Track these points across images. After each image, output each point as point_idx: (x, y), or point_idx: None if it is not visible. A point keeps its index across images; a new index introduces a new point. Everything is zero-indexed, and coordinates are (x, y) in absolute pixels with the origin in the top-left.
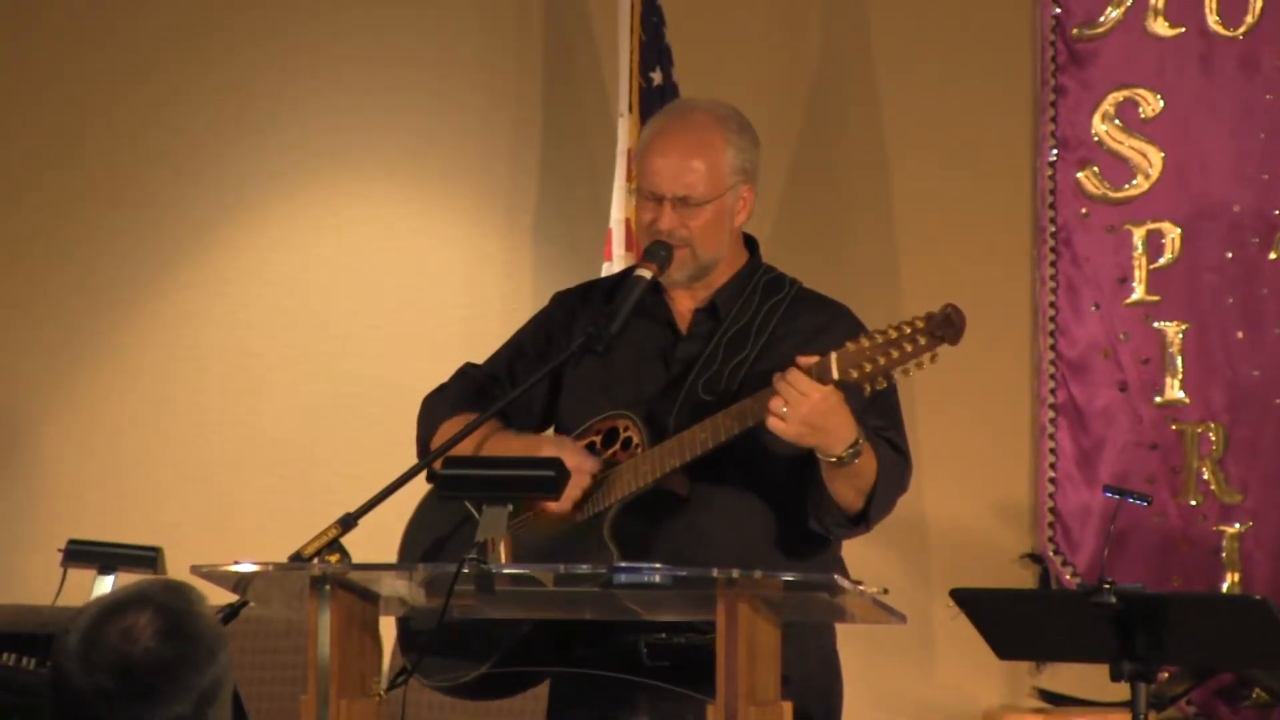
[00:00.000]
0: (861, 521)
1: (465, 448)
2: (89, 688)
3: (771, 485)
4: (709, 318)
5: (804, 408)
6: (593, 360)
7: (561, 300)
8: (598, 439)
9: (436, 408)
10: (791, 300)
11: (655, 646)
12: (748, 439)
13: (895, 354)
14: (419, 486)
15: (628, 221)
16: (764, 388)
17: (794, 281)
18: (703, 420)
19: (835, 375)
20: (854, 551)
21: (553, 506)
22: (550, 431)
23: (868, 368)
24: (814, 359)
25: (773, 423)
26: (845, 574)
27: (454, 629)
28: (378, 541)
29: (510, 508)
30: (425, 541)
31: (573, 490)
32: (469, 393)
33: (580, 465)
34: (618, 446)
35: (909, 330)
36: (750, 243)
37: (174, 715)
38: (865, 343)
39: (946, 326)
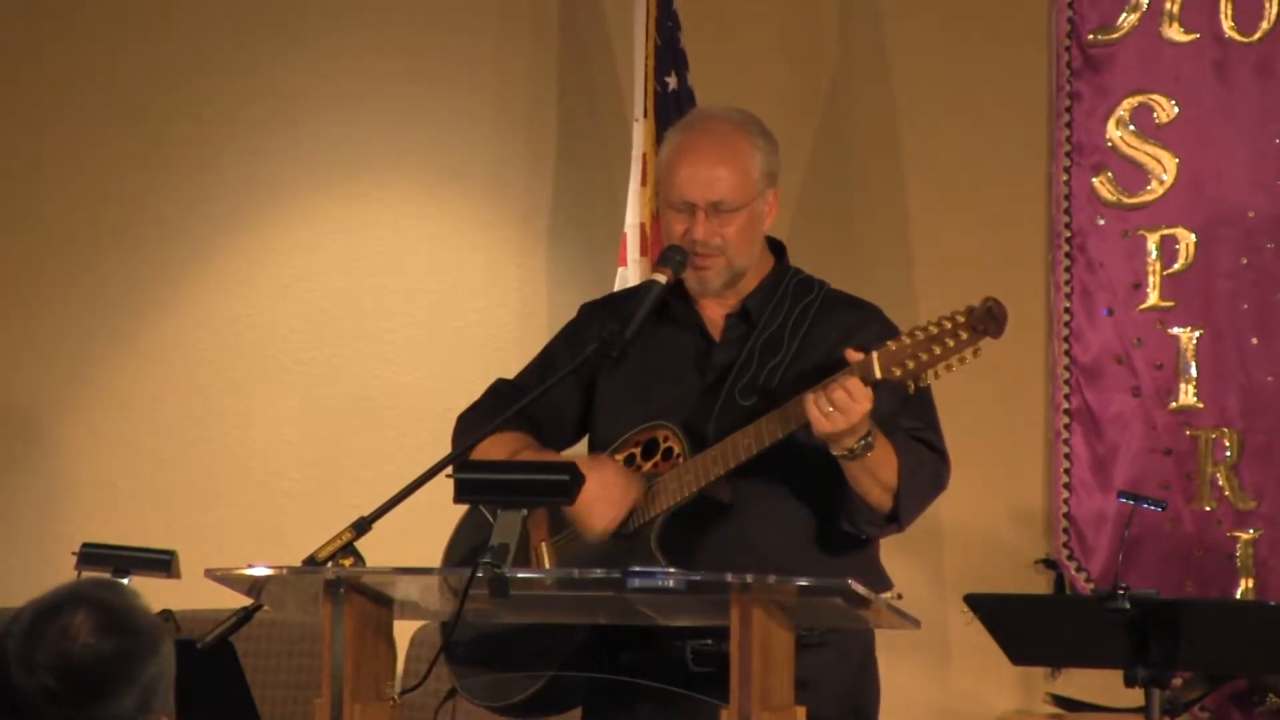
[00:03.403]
0: (893, 520)
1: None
2: (32, 688)
3: (810, 486)
4: (741, 323)
5: (854, 415)
6: (626, 371)
7: (589, 311)
8: (637, 450)
9: (471, 429)
10: (822, 302)
11: (701, 653)
12: (786, 441)
13: (938, 350)
14: (434, 491)
15: (642, 226)
16: (795, 390)
17: (822, 283)
18: (743, 426)
19: (878, 374)
20: None
21: (599, 525)
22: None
23: (910, 365)
24: (859, 355)
25: (815, 417)
26: (881, 575)
27: (499, 642)
28: (392, 545)
29: (525, 513)
30: (463, 549)
31: (618, 508)
32: (501, 411)
33: (630, 483)
34: (659, 457)
35: (950, 325)
36: (777, 246)
37: (120, 709)
38: (906, 340)
39: (989, 320)
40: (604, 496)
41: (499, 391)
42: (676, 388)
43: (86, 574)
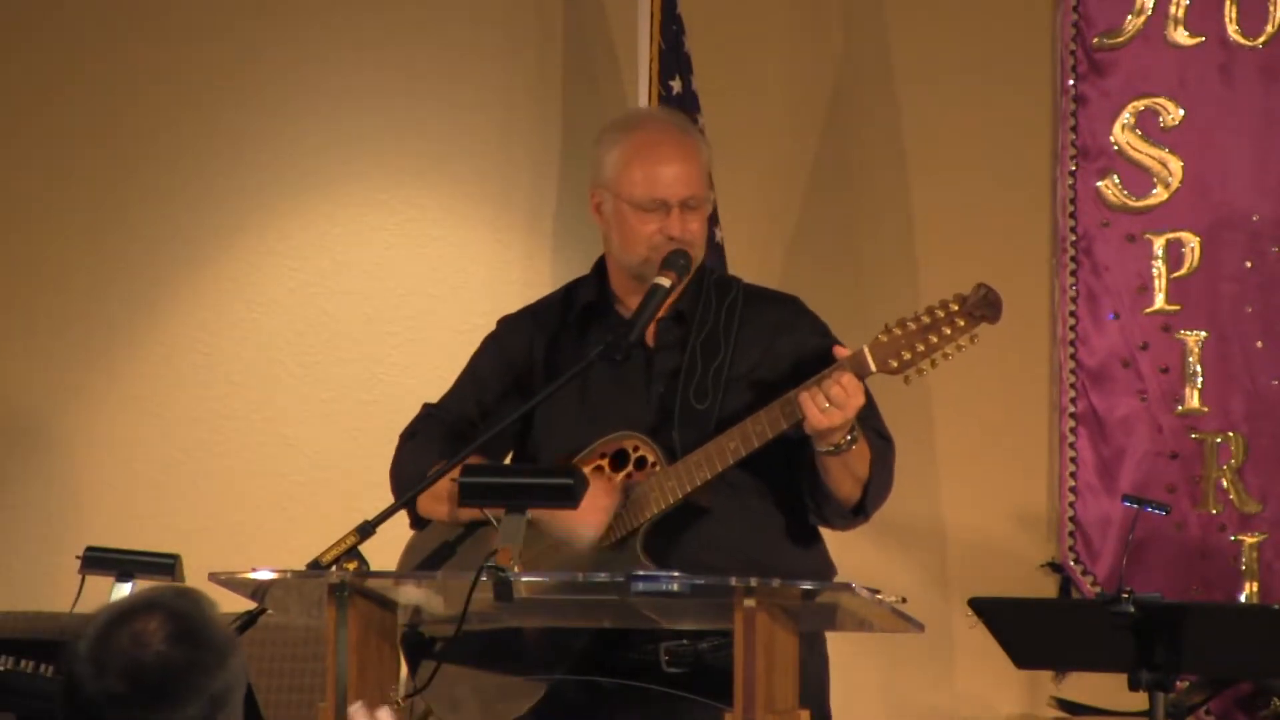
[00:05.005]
0: (860, 512)
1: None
2: (100, 692)
3: (771, 484)
4: (675, 325)
5: (850, 411)
6: (566, 385)
7: (511, 323)
8: (604, 462)
9: (417, 459)
10: (745, 298)
11: (675, 654)
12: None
13: (934, 339)
14: None
15: None
16: (740, 388)
17: (737, 279)
18: (704, 429)
19: (873, 368)
20: (873, 560)
21: (588, 535)
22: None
23: (906, 356)
24: (848, 353)
25: (812, 414)
26: (833, 568)
27: (477, 651)
28: (396, 549)
29: (528, 516)
30: (429, 549)
31: (606, 514)
32: (447, 438)
33: (610, 492)
34: (631, 467)
35: (943, 314)
36: None
37: (184, 718)
38: (898, 331)
39: (985, 306)
40: (591, 505)
41: (435, 418)
42: (627, 397)
43: (90, 577)
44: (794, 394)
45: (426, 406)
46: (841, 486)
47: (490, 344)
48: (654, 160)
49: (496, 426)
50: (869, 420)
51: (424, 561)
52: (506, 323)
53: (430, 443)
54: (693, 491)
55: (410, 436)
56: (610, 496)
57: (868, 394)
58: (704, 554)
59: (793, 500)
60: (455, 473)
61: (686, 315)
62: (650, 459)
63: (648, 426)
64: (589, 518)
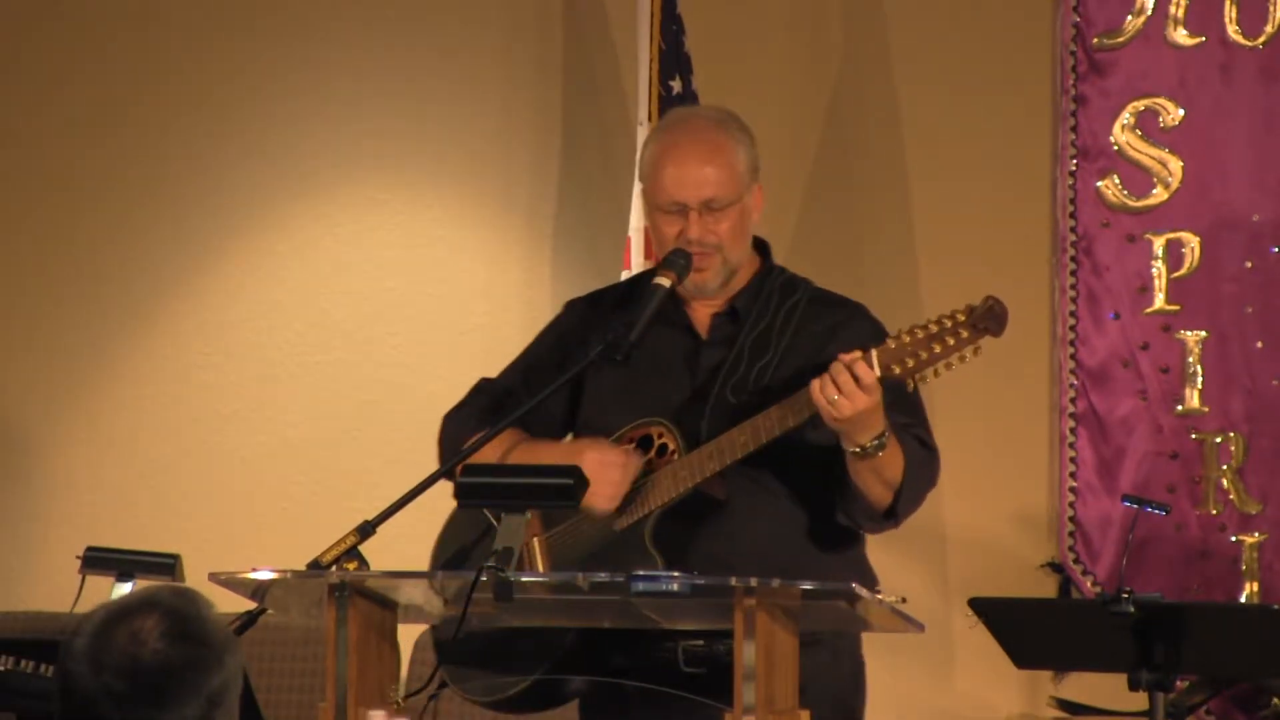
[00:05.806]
0: (891, 516)
1: (490, 459)
2: (97, 689)
3: (803, 483)
4: (729, 322)
5: (860, 402)
6: (615, 369)
7: (573, 308)
8: (630, 447)
9: (459, 427)
10: (808, 301)
11: (693, 654)
12: (781, 438)
13: (938, 348)
14: (438, 496)
15: (646, 230)
16: (783, 389)
17: (807, 282)
18: (738, 423)
19: (877, 372)
20: (873, 560)
21: (600, 505)
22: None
23: (910, 363)
24: (856, 354)
25: (821, 405)
26: (870, 574)
27: (493, 641)
28: (396, 549)
29: (528, 515)
30: (451, 550)
31: (618, 487)
32: (488, 409)
33: (628, 461)
34: (653, 453)
35: (950, 324)
36: (761, 245)
37: (181, 717)
38: (905, 338)
39: (990, 318)
40: (604, 478)
41: (483, 391)
42: (667, 386)
43: (90, 577)
44: (808, 386)
45: (482, 380)
46: (871, 489)
47: (551, 324)
48: (674, 162)
49: (524, 406)
50: (913, 428)
51: (451, 560)
52: (570, 305)
53: (471, 416)
54: (702, 483)
55: (458, 409)
56: (623, 470)
57: (916, 403)
58: (718, 549)
59: (824, 504)
60: (486, 451)
61: (741, 313)
62: (671, 447)
63: (680, 414)
64: (603, 490)
